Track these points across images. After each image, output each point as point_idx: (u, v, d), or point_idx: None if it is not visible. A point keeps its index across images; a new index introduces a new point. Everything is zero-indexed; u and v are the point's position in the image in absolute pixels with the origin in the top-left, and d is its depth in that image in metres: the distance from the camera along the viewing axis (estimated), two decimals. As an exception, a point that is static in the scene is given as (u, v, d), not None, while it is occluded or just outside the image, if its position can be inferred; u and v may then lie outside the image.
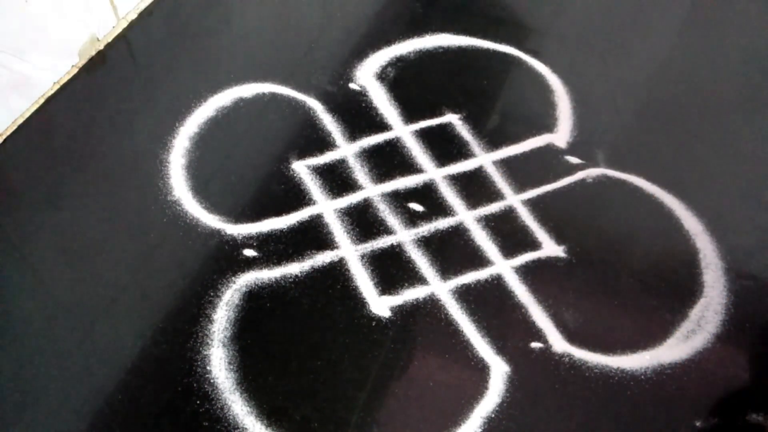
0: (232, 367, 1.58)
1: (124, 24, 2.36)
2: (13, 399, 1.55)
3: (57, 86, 2.16)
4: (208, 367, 1.57)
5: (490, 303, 1.72)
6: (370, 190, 1.95)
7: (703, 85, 2.27)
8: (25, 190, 1.94)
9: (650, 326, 1.69)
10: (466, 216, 1.90)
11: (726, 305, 1.73)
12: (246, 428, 1.48)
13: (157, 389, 1.56)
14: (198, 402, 1.52)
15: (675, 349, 1.65)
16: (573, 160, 2.03)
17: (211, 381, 1.55)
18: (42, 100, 2.12)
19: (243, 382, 1.56)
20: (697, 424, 1.53)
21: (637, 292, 1.76)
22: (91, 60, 2.25)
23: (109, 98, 2.18)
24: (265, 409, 1.52)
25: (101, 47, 2.28)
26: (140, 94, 2.21)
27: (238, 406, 1.52)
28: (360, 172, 1.98)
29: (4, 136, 2.02)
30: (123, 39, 2.32)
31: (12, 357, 1.61)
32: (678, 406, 1.56)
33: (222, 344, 1.61)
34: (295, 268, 1.76)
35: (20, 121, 2.07)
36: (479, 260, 1.80)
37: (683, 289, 1.76)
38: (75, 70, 2.21)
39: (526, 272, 1.78)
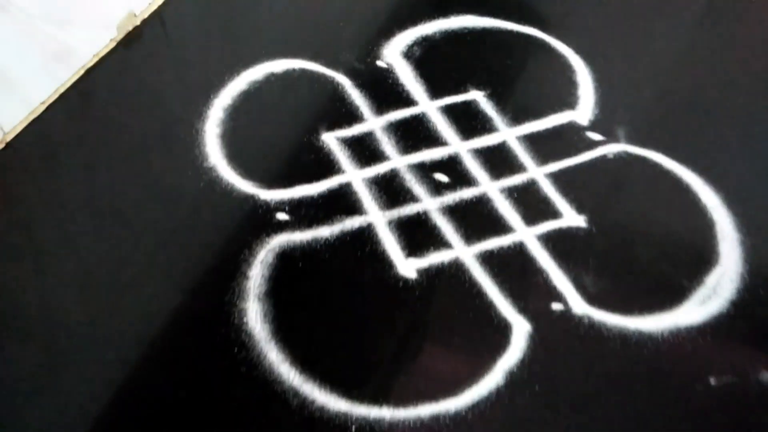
0: (267, 319, 1.66)
1: (160, 1, 2.44)
2: (58, 346, 1.64)
3: (96, 58, 2.25)
4: (245, 319, 1.65)
5: (512, 267, 1.78)
6: (397, 161, 2.02)
7: (724, 65, 2.32)
8: (66, 154, 2.03)
9: (667, 291, 1.75)
10: (489, 187, 1.97)
11: (741, 273, 1.79)
12: (281, 374, 1.56)
13: (197, 339, 1.64)
14: (236, 350, 1.60)
15: (691, 313, 1.71)
16: (594, 136, 2.09)
17: (248, 331, 1.63)
18: (82, 71, 2.21)
19: (277, 332, 1.63)
20: (711, 381, 1.59)
21: (655, 259, 1.82)
22: (128, 35, 2.33)
23: (145, 71, 2.26)
24: (298, 358, 1.59)
25: (138, 23, 2.37)
26: (175, 69, 2.29)
27: (273, 355, 1.59)
28: (387, 144, 2.05)
29: (47, 104, 2.11)
30: (158, 16, 2.41)
31: (50, 305, 1.70)
32: (693, 364, 1.62)
33: (257, 299, 1.69)
34: (325, 232, 1.84)
35: (62, 90, 2.15)
36: (502, 228, 1.87)
37: (700, 258, 1.82)
38: (113, 44, 2.30)
39: (548, 240, 1.84)
